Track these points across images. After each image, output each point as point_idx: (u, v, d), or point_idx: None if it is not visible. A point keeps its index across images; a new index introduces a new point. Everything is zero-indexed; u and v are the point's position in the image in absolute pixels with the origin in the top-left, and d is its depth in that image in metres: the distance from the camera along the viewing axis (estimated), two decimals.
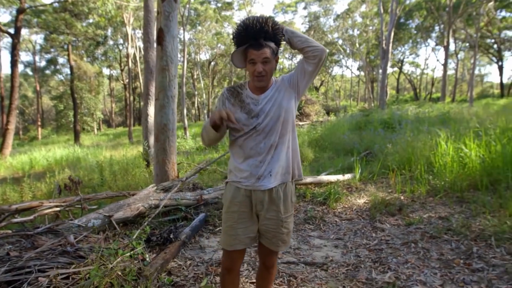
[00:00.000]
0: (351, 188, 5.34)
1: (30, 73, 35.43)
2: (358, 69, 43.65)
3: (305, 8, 37.31)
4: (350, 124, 11.68)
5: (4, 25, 22.14)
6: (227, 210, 1.88)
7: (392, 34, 20.16)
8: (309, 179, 5.40)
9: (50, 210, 3.39)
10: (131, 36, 22.15)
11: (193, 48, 32.38)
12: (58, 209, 3.46)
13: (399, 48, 38.49)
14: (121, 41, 30.17)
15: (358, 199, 4.79)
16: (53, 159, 10.92)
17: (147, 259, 2.89)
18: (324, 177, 5.54)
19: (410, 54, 42.41)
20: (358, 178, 5.66)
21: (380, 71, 22.13)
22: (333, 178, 5.53)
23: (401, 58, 41.11)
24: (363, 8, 34.24)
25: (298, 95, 1.85)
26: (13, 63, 14.81)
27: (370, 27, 34.41)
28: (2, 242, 2.93)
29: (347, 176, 5.71)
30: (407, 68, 47.39)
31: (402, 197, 4.62)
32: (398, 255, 3.03)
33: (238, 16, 36.31)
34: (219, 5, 30.27)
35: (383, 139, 7.86)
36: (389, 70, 36.73)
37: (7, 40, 31.66)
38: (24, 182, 5.85)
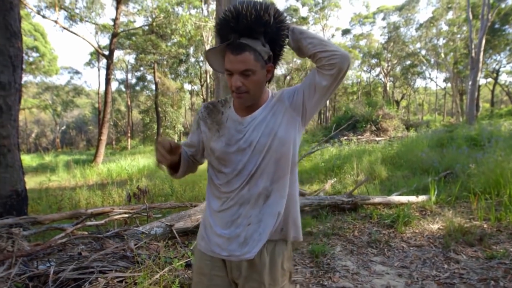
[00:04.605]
0: (425, 211, 4.87)
1: (124, 89, 39.53)
2: (444, 80, 40.39)
3: (383, 19, 35.96)
4: (431, 140, 10.74)
5: (104, 47, 25.29)
6: (196, 271, 1.37)
7: (484, 41, 18.30)
8: (377, 199, 5.08)
9: (119, 216, 3.67)
10: None
11: None
12: (126, 215, 3.74)
13: (494, 57, 34.61)
14: (201, 58, 32.16)
15: (431, 224, 4.33)
16: (136, 168, 11.93)
17: None
18: (394, 198, 5.15)
19: (508, 63, 37.68)
20: (433, 200, 5.14)
21: (470, 82, 20.13)
22: (404, 199, 5.11)
23: (497, 67, 36.92)
24: (449, 15, 31.81)
25: (304, 119, 1.28)
26: (107, 81, 16.77)
27: (458, 35, 31.67)
28: (77, 242, 3.26)
29: (421, 197, 5.22)
30: (504, 78, 42.48)
31: (485, 225, 4.06)
32: None
33: (313, 30, 36.40)
34: (294, 20, 30.69)
35: (467, 158, 7.07)
36: (482, 81, 33.32)
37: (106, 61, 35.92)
38: (106, 188, 6.47)
